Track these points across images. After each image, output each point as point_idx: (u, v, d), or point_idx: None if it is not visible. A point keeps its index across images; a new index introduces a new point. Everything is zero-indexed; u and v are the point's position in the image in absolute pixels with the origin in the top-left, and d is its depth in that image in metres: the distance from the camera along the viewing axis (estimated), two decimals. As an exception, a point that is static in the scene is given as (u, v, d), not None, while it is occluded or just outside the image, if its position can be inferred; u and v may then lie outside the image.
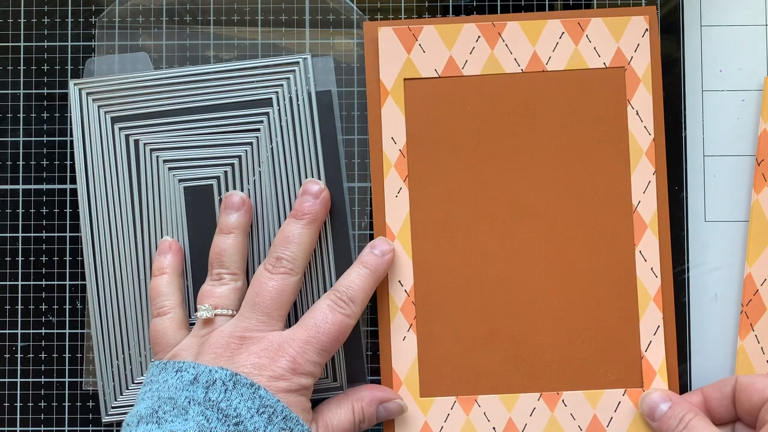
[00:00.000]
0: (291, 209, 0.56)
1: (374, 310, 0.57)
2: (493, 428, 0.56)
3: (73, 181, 0.58)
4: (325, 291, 0.57)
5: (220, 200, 0.57)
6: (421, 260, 0.57)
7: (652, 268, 0.56)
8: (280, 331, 0.53)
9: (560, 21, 0.57)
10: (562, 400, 0.56)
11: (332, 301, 0.53)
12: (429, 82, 0.57)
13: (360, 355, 0.57)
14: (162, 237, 0.57)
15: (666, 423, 0.54)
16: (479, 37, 0.57)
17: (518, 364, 0.57)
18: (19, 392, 0.58)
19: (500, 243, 0.57)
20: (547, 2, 0.58)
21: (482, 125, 0.57)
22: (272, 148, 0.57)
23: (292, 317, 0.57)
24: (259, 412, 0.49)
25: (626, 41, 0.57)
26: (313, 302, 0.55)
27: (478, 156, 0.57)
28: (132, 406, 0.55)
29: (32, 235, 0.58)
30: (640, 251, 0.56)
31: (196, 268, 0.57)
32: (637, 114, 0.56)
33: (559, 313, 0.57)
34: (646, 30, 0.56)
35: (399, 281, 0.57)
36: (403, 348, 0.57)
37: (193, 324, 0.55)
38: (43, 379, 0.58)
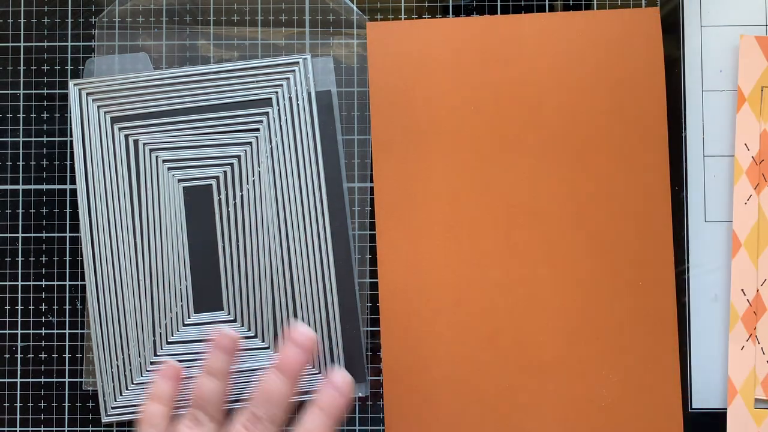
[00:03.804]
0: (290, 209, 0.56)
1: (375, 310, 0.57)
2: (494, 429, 0.57)
3: (73, 181, 0.58)
4: (325, 292, 0.57)
5: (220, 200, 0.57)
6: (422, 263, 0.57)
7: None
8: None
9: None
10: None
11: None
12: (429, 84, 0.57)
13: (360, 355, 0.57)
14: (162, 237, 0.57)
15: None
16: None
17: (520, 366, 0.57)
18: (19, 392, 0.58)
19: (501, 246, 0.57)
20: (546, 2, 0.58)
21: (483, 128, 0.57)
22: (272, 148, 0.57)
23: (290, 310, 0.57)
24: None
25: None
26: (313, 303, 0.56)
27: (478, 158, 0.57)
28: (131, 406, 0.56)
29: (32, 235, 0.58)
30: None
31: (196, 268, 0.57)
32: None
33: (561, 315, 0.57)
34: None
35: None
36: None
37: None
38: (43, 379, 0.58)
